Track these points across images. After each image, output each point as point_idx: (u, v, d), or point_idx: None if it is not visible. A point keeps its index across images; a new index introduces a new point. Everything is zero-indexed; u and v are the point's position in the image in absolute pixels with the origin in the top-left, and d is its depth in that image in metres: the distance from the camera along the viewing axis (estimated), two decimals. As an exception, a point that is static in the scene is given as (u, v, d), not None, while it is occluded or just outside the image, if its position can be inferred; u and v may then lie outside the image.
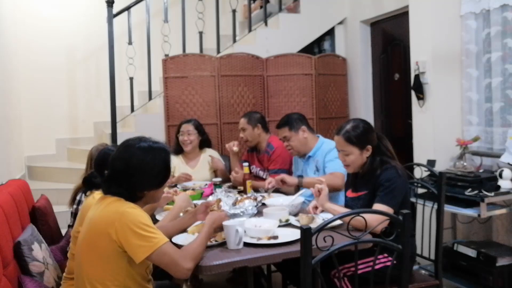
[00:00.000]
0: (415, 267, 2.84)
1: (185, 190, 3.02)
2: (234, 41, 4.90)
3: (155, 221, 2.29)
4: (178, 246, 1.85)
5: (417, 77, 3.57)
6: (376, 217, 1.97)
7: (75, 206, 2.65)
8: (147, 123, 4.44)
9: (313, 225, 1.86)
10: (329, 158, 2.91)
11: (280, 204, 2.56)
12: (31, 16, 5.23)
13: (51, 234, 2.79)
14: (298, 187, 3.10)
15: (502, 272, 2.82)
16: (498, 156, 3.13)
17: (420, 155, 3.62)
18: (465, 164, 3.23)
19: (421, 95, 3.58)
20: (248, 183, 3.03)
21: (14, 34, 4.94)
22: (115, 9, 4.33)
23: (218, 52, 4.80)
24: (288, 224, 2.25)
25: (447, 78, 3.53)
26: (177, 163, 3.51)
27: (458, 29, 3.51)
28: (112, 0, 4.23)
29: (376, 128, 3.91)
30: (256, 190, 3.01)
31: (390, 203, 2.16)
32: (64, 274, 2.20)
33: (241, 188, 3.13)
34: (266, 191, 2.95)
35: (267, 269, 3.13)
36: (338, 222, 2.00)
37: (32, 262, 2.15)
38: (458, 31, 3.51)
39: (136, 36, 4.79)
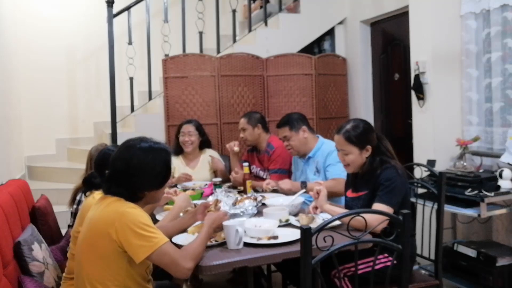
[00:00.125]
0: (415, 267, 2.83)
1: (185, 190, 3.02)
2: (234, 41, 4.90)
3: (155, 221, 2.29)
4: (178, 246, 1.85)
5: (417, 77, 3.57)
6: (376, 217, 1.97)
7: (75, 206, 2.65)
8: (147, 123, 4.44)
9: (313, 225, 1.86)
10: (330, 162, 2.91)
11: (280, 204, 2.56)
12: (31, 16, 5.24)
13: (51, 234, 2.79)
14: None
15: (502, 272, 2.82)
16: (498, 156, 3.14)
17: (420, 155, 3.62)
18: (465, 164, 3.23)
19: (421, 95, 3.58)
20: (248, 183, 3.03)
21: (14, 34, 4.94)
22: (115, 9, 4.33)
23: (218, 52, 4.80)
24: (288, 224, 2.25)
25: (447, 78, 3.53)
26: (177, 164, 3.51)
27: (458, 29, 3.51)
28: (112, 0, 4.24)
29: (376, 128, 3.91)
30: (256, 190, 3.01)
31: (389, 203, 2.16)
32: (64, 274, 2.20)
33: (241, 188, 3.13)
34: (263, 191, 2.96)
35: (267, 269, 3.13)
36: (338, 222, 2.00)
37: (32, 262, 2.15)
38: (458, 31, 3.51)
39: (136, 36, 4.79)
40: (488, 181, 2.98)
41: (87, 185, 2.36)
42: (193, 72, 4.42)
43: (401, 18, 4.22)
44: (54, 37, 5.32)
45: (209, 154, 3.64)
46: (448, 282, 3.00)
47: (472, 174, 3.06)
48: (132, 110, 4.74)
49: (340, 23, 5.03)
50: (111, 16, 4.27)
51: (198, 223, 2.14)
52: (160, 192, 1.90)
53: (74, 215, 2.64)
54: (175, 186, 3.24)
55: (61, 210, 3.36)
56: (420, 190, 2.84)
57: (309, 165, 3.04)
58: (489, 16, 3.30)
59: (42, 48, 5.26)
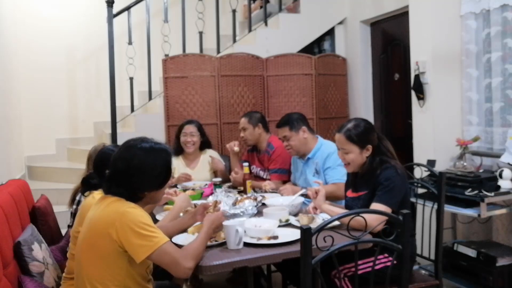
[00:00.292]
0: (415, 267, 2.83)
1: (185, 190, 3.02)
2: (234, 41, 4.90)
3: (155, 221, 2.29)
4: (178, 246, 1.85)
5: (417, 77, 3.57)
6: (375, 217, 1.98)
7: (74, 206, 2.65)
8: (147, 123, 4.44)
9: (313, 225, 1.86)
10: (329, 164, 2.91)
11: (280, 204, 2.56)
12: (31, 16, 5.24)
13: (51, 234, 2.79)
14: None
15: (502, 272, 2.82)
16: (498, 156, 3.14)
17: (420, 155, 3.62)
18: (465, 164, 3.23)
19: (421, 95, 3.58)
20: (248, 183, 3.03)
21: (14, 34, 4.94)
22: (115, 9, 4.33)
23: (218, 52, 4.80)
24: (288, 224, 2.25)
25: (447, 78, 3.53)
26: (177, 164, 3.50)
27: (458, 29, 3.51)
28: (112, 0, 4.24)
29: (376, 128, 3.89)
30: (255, 190, 3.01)
31: (388, 202, 2.16)
32: (64, 274, 2.20)
33: (241, 188, 3.13)
34: (261, 191, 2.96)
35: (267, 269, 3.13)
36: (338, 222, 2.00)
37: (32, 262, 2.15)
38: (458, 31, 3.51)
39: (136, 36, 4.79)
40: (488, 181, 2.98)
41: (85, 185, 2.37)
42: (193, 72, 4.42)
43: (401, 18, 4.22)
44: (54, 37, 5.32)
45: (209, 154, 3.64)
46: (448, 282, 3.00)
47: (472, 174, 3.06)
48: (132, 110, 4.74)
49: (340, 23, 5.03)
50: (111, 16, 4.27)
51: (198, 223, 2.14)
52: (160, 193, 1.90)
53: (73, 215, 2.64)
54: (175, 186, 3.24)
55: (61, 210, 3.36)
56: (420, 190, 2.84)
57: (309, 166, 3.04)
58: (489, 16, 3.30)
59: (42, 48, 5.26)
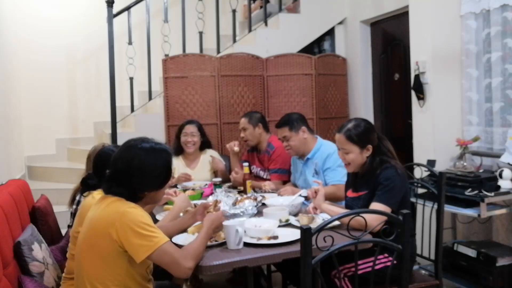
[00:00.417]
0: (415, 267, 2.83)
1: (185, 190, 3.02)
2: (234, 41, 4.90)
3: (155, 221, 2.29)
4: (178, 246, 1.85)
5: (417, 77, 3.57)
6: (374, 217, 1.98)
7: (74, 207, 2.65)
8: (147, 123, 4.44)
9: (313, 225, 1.86)
10: (329, 165, 2.90)
11: (280, 204, 2.56)
12: (31, 16, 5.24)
13: (51, 234, 2.79)
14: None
15: (502, 272, 2.82)
16: (498, 156, 3.14)
17: (420, 155, 3.62)
18: (465, 164, 3.23)
19: (421, 95, 3.58)
20: (248, 183, 3.03)
21: (14, 34, 4.94)
22: (115, 9, 4.33)
23: (218, 52, 4.80)
24: (288, 224, 2.25)
25: (447, 78, 3.53)
26: (177, 164, 3.50)
27: (458, 29, 3.51)
28: (112, 0, 4.24)
29: (376, 128, 3.90)
30: (255, 190, 3.01)
31: (387, 202, 2.16)
32: (64, 274, 2.20)
33: (241, 188, 3.13)
34: (261, 191, 2.96)
35: (267, 269, 3.13)
36: (338, 222, 2.00)
37: (32, 262, 2.15)
38: (458, 31, 3.51)
39: (136, 36, 4.79)
40: (488, 181, 2.98)
41: (84, 186, 2.38)
42: (193, 72, 4.42)
43: (401, 18, 4.22)
44: (54, 37, 5.32)
45: (210, 154, 3.64)
46: (448, 282, 3.00)
47: (472, 174, 3.06)
48: (132, 110, 4.74)
49: (340, 23, 5.03)
50: (111, 16, 4.27)
51: (198, 223, 2.14)
52: (160, 193, 1.90)
53: (73, 215, 2.64)
54: (175, 186, 3.23)
55: (61, 210, 3.36)
56: (420, 190, 2.84)
57: (308, 166, 3.03)
58: (489, 16, 3.30)
59: (42, 48, 5.26)
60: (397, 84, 4.47)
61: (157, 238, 1.69)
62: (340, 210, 2.28)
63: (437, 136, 3.52)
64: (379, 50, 4.72)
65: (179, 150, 3.59)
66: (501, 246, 3.04)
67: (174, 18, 4.75)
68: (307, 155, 3.02)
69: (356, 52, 4.83)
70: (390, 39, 4.56)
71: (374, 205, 2.17)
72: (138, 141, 1.84)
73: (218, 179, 3.36)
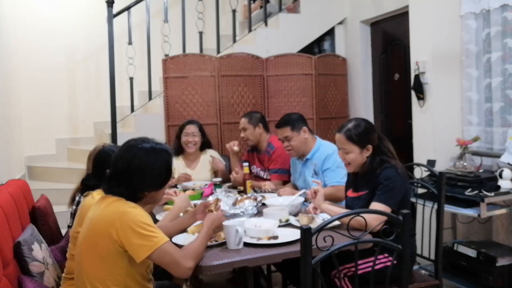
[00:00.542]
0: (415, 267, 2.83)
1: (185, 190, 3.02)
2: (234, 41, 4.90)
3: (155, 221, 2.29)
4: (178, 246, 1.86)
5: (417, 77, 3.57)
6: (374, 217, 1.97)
7: (74, 207, 2.65)
8: (147, 123, 4.44)
9: (313, 225, 1.86)
10: (328, 166, 2.90)
11: (280, 204, 2.56)
12: (31, 16, 5.24)
13: (51, 234, 2.79)
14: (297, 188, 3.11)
15: (502, 272, 2.82)
16: (498, 156, 3.14)
17: (420, 155, 3.62)
18: (465, 164, 3.23)
19: (421, 95, 3.58)
20: (248, 183, 3.02)
21: (14, 34, 4.94)
22: (115, 9, 4.33)
23: (218, 52, 4.80)
24: (288, 224, 2.25)
25: (447, 78, 3.53)
26: (177, 165, 3.50)
27: (458, 29, 3.51)
28: (112, 0, 4.24)
29: (376, 128, 3.90)
30: (255, 190, 3.01)
31: (387, 202, 2.16)
32: (63, 275, 2.20)
33: (241, 188, 3.13)
34: (261, 191, 2.96)
35: (267, 269, 3.13)
36: (338, 222, 2.00)
37: (32, 262, 2.15)
38: (458, 31, 3.51)
39: (136, 36, 4.79)
40: (488, 181, 2.98)
41: (84, 186, 2.39)
42: (193, 72, 4.42)
43: (401, 18, 4.22)
44: (54, 37, 5.32)
45: (210, 154, 3.64)
46: (448, 282, 3.00)
47: (472, 174, 3.06)
48: (132, 110, 4.74)
49: (340, 23, 5.03)
50: (111, 16, 4.27)
51: (198, 223, 2.14)
52: (160, 193, 1.90)
53: (73, 215, 2.64)
54: (175, 186, 3.23)
55: (61, 210, 3.36)
56: (420, 190, 2.84)
57: (307, 167, 3.03)
58: (489, 16, 3.30)
59: (42, 48, 5.26)
60: (397, 84, 4.47)
61: (157, 238, 1.69)
62: (340, 210, 2.28)
63: (437, 136, 3.52)
64: (379, 50, 4.72)
65: (179, 150, 3.58)
66: (501, 246, 3.04)
67: (174, 18, 4.75)
68: (307, 155, 3.02)
69: (356, 52, 4.83)
70: (390, 39, 4.56)
71: (374, 205, 2.17)
72: (139, 141, 1.84)
73: (218, 179, 3.36)
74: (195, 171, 3.54)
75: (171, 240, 1.81)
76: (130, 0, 4.59)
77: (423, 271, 2.88)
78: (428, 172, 2.92)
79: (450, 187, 3.00)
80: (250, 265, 1.90)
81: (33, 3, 5.29)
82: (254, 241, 1.98)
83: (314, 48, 5.33)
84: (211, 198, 2.71)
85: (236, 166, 3.43)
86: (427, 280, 2.45)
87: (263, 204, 2.60)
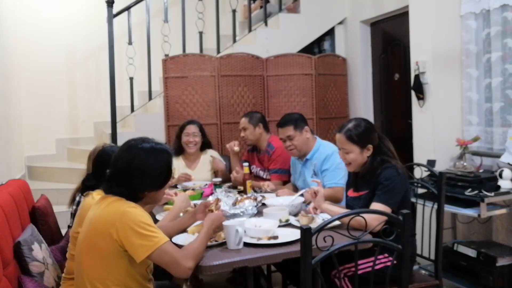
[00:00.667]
0: (415, 267, 2.83)
1: (185, 190, 3.02)
2: (234, 41, 4.90)
3: (155, 221, 2.29)
4: (178, 246, 1.86)
5: (417, 77, 3.57)
6: (374, 216, 1.97)
7: (74, 207, 2.65)
8: (147, 123, 4.44)
9: (313, 225, 1.86)
10: (327, 167, 2.89)
11: (280, 204, 2.55)
12: (31, 16, 5.24)
13: (51, 234, 2.79)
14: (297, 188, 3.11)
15: (502, 272, 2.82)
16: (498, 156, 3.14)
17: (420, 155, 3.62)
18: (465, 164, 3.23)
19: (421, 95, 3.58)
20: (248, 183, 3.02)
21: (14, 34, 4.94)
22: (115, 9, 4.33)
23: (218, 52, 4.80)
24: (288, 224, 2.25)
25: (447, 78, 3.53)
26: (177, 165, 3.50)
27: (458, 29, 3.51)
28: (112, 0, 4.24)
29: (376, 128, 3.91)
30: (255, 190, 3.01)
31: (387, 202, 2.16)
32: (63, 275, 2.20)
33: (241, 188, 3.13)
34: (261, 191, 2.97)
35: (267, 269, 3.13)
36: (338, 222, 2.00)
37: (32, 262, 2.15)
38: (458, 31, 3.51)
39: (136, 36, 4.79)
40: (488, 181, 2.98)
41: (84, 186, 2.39)
42: (193, 72, 4.42)
43: (401, 18, 4.22)
44: (54, 37, 5.32)
45: (210, 154, 3.64)
46: (448, 282, 3.00)
47: (472, 174, 3.06)
48: (132, 110, 4.74)
49: (340, 23, 5.03)
50: (111, 16, 4.27)
51: (198, 222, 2.14)
52: (160, 193, 1.90)
53: (73, 215, 2.64)
54: (175, 186, 3.23)
55: (61, 210, 3.36)
56: (420, 190, 2.84)
57: (307, 167, 3.02)
58: (489, 16, 3.30)
59: (42, 48, 5.26)
60: (397, 84, 4.47)
61: (157, 238, 1.69)
62: (340, 210, 2.28)
63: (437, 136, 3.52)
64: (379, 50, 4.72)
65: (180, 150, 3.58)
66: (501, 246, 3.04)
67: (174, 18, 4.75)
68: (307, 155, 3.02)
69: (356, 52, 4.83)
70: (390, 39, 4.56)
71: (374, 205, 2.17)
72: (139, 141, 1.85)
73: (218, 179, 3.36)
74: (195, 171, 3.54)
75: (171, 240, 1.81)
76: (130, 0, 4.59)
77: (423, 271, 2.88)
78: (428, 172, 2.92)
79: (450, 187, 3.00)
80: (250, 265, 1.90)
81: (33, 3, 5.29)
82: (254, 241, 1.98)
83: (314, 48, 5.33)
84: (211, 198, 2.71)
85: (237, 166, 3.43)
86: (427, 280, 2.45)
87: (263, 204, 2.60)
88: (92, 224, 1.77)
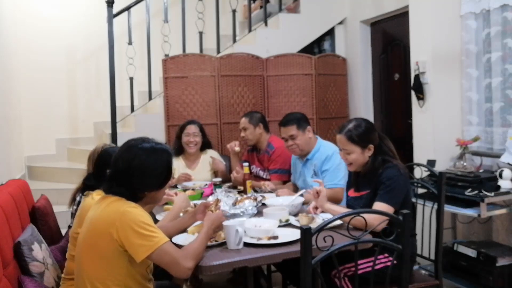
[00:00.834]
0: (415, 267, 2.83)
1: (185, 190, 3.02)
2: (234, 41, 4.90)
3: (155, 221, 2.29)
4: (178, 246, 1.86)
5: (417, 77, 3.57)
6: (377, 216, 1.97)
7: (74, 207, 2.65)
8: (147, 123, 4.44)
9: (313, 225, 1.86)
10: (327, 167, 2.89)
11: (280, 204, 2.55)
12: (31, 16, 5.24)
13: (51, 234, 2.79)
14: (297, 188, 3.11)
15: (502, 272, 2.82)
16: (498, 156, 3.13)
17: (420, 155, 3.62)
18: (465, 164, 3.23)
19: (421, 95, 3.58)
20: (248, 183, 3.02)
21: (14, 34, 4.94)
22: (115, 9, 4.33)
23: (218, 52, 4.80)
24: (288, 224, 2.25)
25: (447, 78, 3.53)
26: (177, 165, 3.50)
27: (458, 29, 3.51)
28: (112, 0, 4.24)
29: (376, 128, 3.91)
30: (255, 190, 3.01)
31: (390, 202, 2.16)
32: (63, 275, 2.20)
33: (241, 188, 3.13)
34: (261, 191, 2.97)
35: (267, 269, 3.13)
36: (338, 222, 2.00)
37: (32, 262, 2.15)
38: (458, 31, 3.51)
39: (136, 36, 4.79)
40: (488, 181, 2.98)
41: (85, 186, 2.40)
42: (193, 72, 4.42)
43: (401, 18, 4.22)
44: (54, 37, 5.32)
45: (210, 154, 3.64)
46: (448, 282, 3.00)
47: (472, 174, 3.06)
48: (132, 110, 4.74)
49: (340, 23, 5.03)
50: (111, 16, 4.27)
51: (198, 223, 2.14)
52: (160, 193, 1.90)
53: (73, 215, 2.64)
54: (175, 186, 3.23)
55: (61, 210, 3.36)
56: (420, 190, 2.84)
57: (307, 167, 3.02)
58: (489, 16, 3.30)
59: (42, 48, 5.26)
60: (397, 84, 4.47)
61: (157, 238, 1.69)
62: (343, 209, 2.27)
63: (437, 136, 3.52)
64: (379, 50, 4.72)
65: (180, 151, 3.58)
66: (501, 246, 3.04)
67: (174, 18, 4.75)
68: (308, 155, 3.02)
69: (356, 52, 4.83)
70: (390, 39, 4.56)
71: (377, 205, 2.17)
72: (139, 141, 1.85)
73: (218, 179, 3.36)
74: (195, 171, 3.54)
75: (171, 240, 1.81)
76: (130, 0, 4.59)
77: (423, 271, 2.88)
78: (428, 172, 2.92)
79: (450, 187, 3.00)
80: (250, 265, 1.89)
81: (33, 3, 5.29)
82: (254, 241, 1.98)
83: (314, 48, 5.33)
84: (211, 198, 2.71)
85: (237, 166, 3.43)
86: (427, 280, 2.45)
87: (263, 204, 2.60)
88: (92, 224, 1.77)
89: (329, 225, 1.65)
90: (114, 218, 1.69)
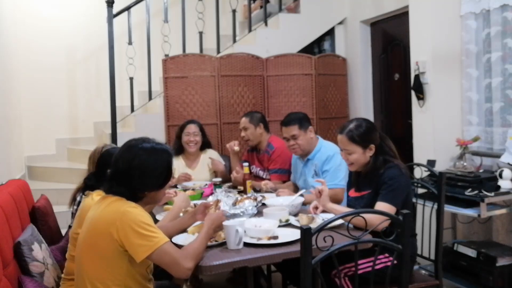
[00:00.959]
0: (415, 267, 2.83)
1: (185, 190, 3.02)
2: (234, 41, 4.90)
3: (155, 221, 2.29)
4: (178, 246, 1.86)
5: (417, 77, 3.57)
6: (378, 216, 1.97)
7: (74, 207, 2.65)
8: (147, 123, 4.44)
9: (313, 225, 1.86)
10: (327, 168, 2.89)
11: (280, 204, 2.55)
12: (31, 16, 5.24)
13: (51, 234, 2.79)
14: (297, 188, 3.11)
15: (502, 272, 2.82)
16: (498, 156, 3.13)
17: (420, 155, 3.62)
18: (465, 164, 3.23)
19: (421, 95, 3.58)
20: (248, 183, 3.02)
21: (14, 34, 4.94)
22: (115, 9, 4.33)
23: (218, 52, 4.80)
24: (288, 224, 2.25)
25: (447, 78, 3.53)
26: (177, 165, 3.50)
27: (458, 29, 3.51)
28: (112, 0, 4.24)
29: (377, 128, 3.91)
30: (255, 189, 3.01)
31: (392, 202, 2.16)
32: (63, 275, 2.20)
33: (241, 188, 3.13)
34: (260, 191, 2.97)
35: (267, 269, 3.13)
36: (339, 222, 1.99)
37: (32, 262, 2.15)
38: (458, 31, 3.51)
39: (136, 36, 4.79)
40: (488, 181, 2.98)
41: (85, 186, 2.40)
42: (193, 72, 4.42)
43: (401, 18, 4.22)
44: (54, 37, 5.32)
45: (210, 154, 3.64)
46: (448, 282, 3.00)
47: (472, 174, 3.06)
48: (132, 110, 4.74)
49: (340, 23, 5.03)
50: (111, 16, 4.27)
51: (198, 223, 2.14)
52: (160, 193, 1.90)
53: (74, 215, 2.64)
54: (175, 186, 3.23)
55: (61, 210, 3.36)
56: (420, 190, 2.84)
57: (308, 167, 3.02)
58: (489, 16, 3.30)
59: (42, 48, 5.26)
60: (397, 84, 4.47)
61: (157, 238, 1.69)
62: (346, 209, 2.27)
63: (437, 136, 3.52)
64: (379, 50, 4.72)
65: (180, 150, 3.59)
66: (501, 246, 3.04)
67: (174, 18, 4.75)
68: (308, 155, 3.02)
69: (356, 52, 4.83)
70: (390, 39, 4.56)
71: (379, 205, 2.17)
72: (139, 141, 1.85)
73: (218, 179, 3.36)
74: (195, 171, 3.54)
75: (171, 240, 1.81)
76: (130, 0, 4.59)
77: (423, 271, 2.88)
78: (428, 172, 2.92)
79: (450, 187, 3.00)
80: (250, 265, 1.90)
81: (33, 3, 5.29)
82: (254, 241, 1.98)
83: (314, 48, 5.33)
84: (211, 198, 2.71)
85: (237, 166, 3.43)
86: (427, 280, 2.45)
87: (263, 204, 2.60)
88: (92, 224, 1.77)
89: (329, 225, 1.65)
90: (114, 218, 1.69)
